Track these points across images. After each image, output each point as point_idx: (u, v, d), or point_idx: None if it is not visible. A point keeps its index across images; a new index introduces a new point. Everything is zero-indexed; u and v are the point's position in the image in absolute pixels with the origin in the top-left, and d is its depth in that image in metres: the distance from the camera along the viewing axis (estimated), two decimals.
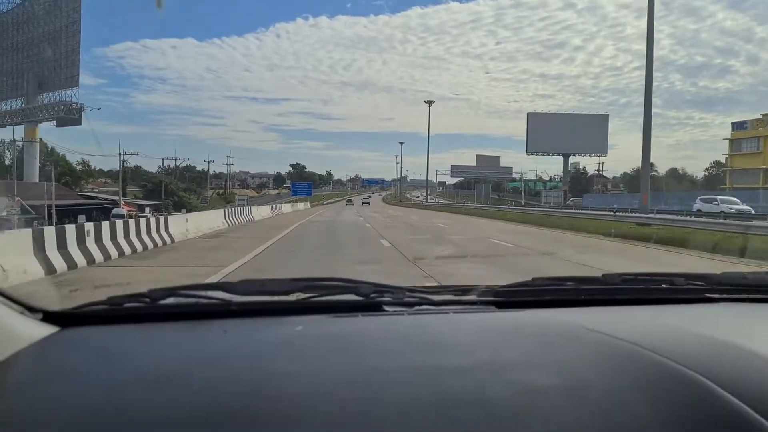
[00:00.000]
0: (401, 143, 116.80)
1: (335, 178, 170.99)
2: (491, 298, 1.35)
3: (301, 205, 59.81)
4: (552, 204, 65.81)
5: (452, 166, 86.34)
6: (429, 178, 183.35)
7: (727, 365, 0.92)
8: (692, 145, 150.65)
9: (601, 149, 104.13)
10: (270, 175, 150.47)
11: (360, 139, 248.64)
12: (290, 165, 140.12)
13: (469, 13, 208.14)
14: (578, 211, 38.26)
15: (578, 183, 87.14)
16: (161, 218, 15.54)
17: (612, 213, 28.95)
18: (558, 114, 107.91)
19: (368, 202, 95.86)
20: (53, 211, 36.40)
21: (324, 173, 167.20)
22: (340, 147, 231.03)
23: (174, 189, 67.62)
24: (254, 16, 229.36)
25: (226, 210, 26.12)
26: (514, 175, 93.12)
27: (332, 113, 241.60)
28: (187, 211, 31.01)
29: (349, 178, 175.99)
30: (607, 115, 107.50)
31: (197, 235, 17.43)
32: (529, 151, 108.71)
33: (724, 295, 1.49)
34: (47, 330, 1.08)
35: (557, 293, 1.45)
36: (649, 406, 0.82)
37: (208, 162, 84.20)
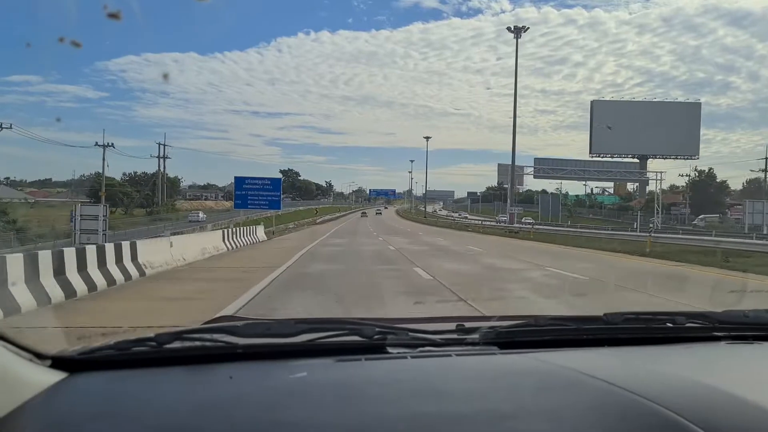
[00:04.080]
0: (427, 138, 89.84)
1: (336, 190, 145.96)
2: (494, 339, 1.35)
3: (205, 243, 16.65)
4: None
5: (536, 159, 57.96)
6: (442, 189, 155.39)
7: (723, 416, 0.93)
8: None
9: (690, 149, 75.87)
10: None
11: (362, 153, 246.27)
12: (280, 171, 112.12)
13: (470, 29, 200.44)
14: None
15: (704, 193, 57.79)
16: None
17: None
18: (633, 102, 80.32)
19: (380, 213, 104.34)
20: None
21: (323, 184, 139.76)
22: (342, 161, 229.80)
23: None
24: (256, 30, 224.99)
25: None
26: (651, 178, 63.00)
27: (333, 127, 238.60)
28: None
29: (352, 190, 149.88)
30: (699, 103, 78.70)
31: None
32: (594, 151, 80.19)
33: (725, 334, 1.50)
34: (56, 376, 1.10)
35: (558, 333, 1.45)
36: None
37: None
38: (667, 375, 1.15)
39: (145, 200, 55.94)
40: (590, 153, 79.08)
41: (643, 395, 0.97)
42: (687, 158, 75.93)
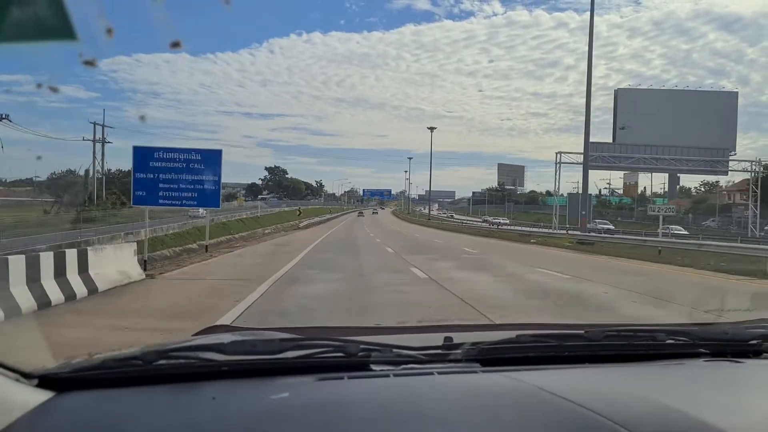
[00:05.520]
0: (431, 128, 77.19)
1: (328, 191, 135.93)
2: (476, 356, 1.35)
3: None
4: None
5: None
6: (441, 190, 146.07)
7: None
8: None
9: (726, 142, 65.29)
10: (242, 185, 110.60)
11: (354, 155, 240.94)
12: (266, 168, 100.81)
13: (462, 31, 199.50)
14: None
15: None
16: None
17: None
18: (662, 90, 69.74)
19: (377, 213, 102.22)
20: None
21: (314, 183, 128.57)
22: (334, 163, 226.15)
23: None
24: (248, 31, 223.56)
25: None
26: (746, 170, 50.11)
27: (325, 129, 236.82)
28: None
29: (344, 190, 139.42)
30: (736, 92, 68.38)
31: None
32: (619, 144, 69.12)
33: (705, 351, 1.50)
34: (43, 396, 1.09)
35: (540, 350, 1.44)
36: None
37: None
38: (641, 397, 1.15)
39: (75, 197, 44.24)
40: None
41: (615, 420, 0.98)
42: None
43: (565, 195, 65.91)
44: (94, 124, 46.61)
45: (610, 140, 66.29)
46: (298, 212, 45.07)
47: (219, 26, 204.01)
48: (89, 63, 1.14)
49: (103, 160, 47.47)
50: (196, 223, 29.74)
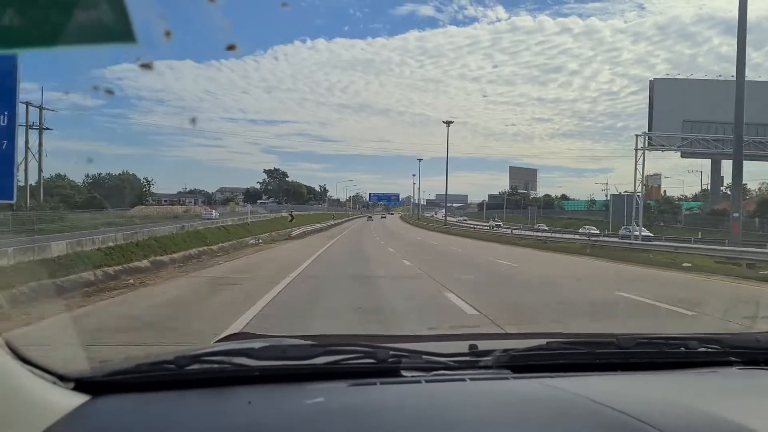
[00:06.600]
0: (448, 123, 70.40)
1: (333, 197, 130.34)
2: (507, 363, 1.35)
3: None
4: None
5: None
6: (454, 194, 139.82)
7: None
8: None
9: None
10: (240, 189, 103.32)
11: (358, 161, 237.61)
12: (264, 171, 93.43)
13: (466, 37, 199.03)
14: None
15: None
16: None
17: None
18: (704, 81, 61.58)
19: (385, 217, 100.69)
20: None
21: (317, 188, 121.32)
22: (339, 169, 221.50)
23: None
24: (252, 38, 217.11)
25: None
26: None
27: (330, 135, 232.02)
28: None
29: (349, 196, 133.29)
30: None
31: None
32: (654, 143, 60.53)
33: (737, 359, 1.49)
34: (79, 399, 1.12)
35: (571, 357, 1.43)
36: None
37: None
38: (678, 404, 1.14)
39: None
40: (647, 146, 60.89)
41: (658, 426, 0.96)
42: None
43: (580, 199, 57.65)
44: (26, 104, 33.84)
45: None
46: (290, 218, 37.44)
47: (222, 33, 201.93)
48: (146, 66, 1.12)
49: (40, 151, 39.30)
50: (156, 232, 21.53)
